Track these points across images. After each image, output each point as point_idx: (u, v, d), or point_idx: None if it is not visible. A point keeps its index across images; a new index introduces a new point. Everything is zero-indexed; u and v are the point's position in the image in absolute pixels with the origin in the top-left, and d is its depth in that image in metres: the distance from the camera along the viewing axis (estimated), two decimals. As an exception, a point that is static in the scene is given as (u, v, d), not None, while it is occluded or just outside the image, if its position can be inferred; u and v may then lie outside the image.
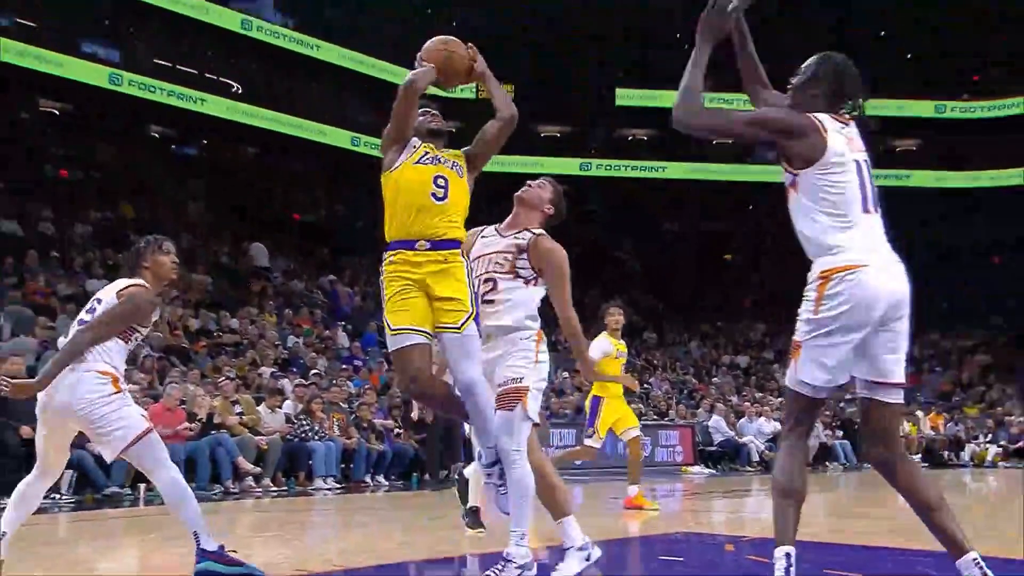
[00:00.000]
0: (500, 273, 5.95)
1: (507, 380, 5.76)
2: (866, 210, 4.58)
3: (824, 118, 4.57)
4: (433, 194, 5.43)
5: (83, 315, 6.41)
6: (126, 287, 6.36)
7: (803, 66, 4.85)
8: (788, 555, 4.37)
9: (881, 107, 38.29)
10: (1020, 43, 39.54)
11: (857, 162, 4.58)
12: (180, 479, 6.33)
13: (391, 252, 5.46)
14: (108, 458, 6.52)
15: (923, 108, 39.00)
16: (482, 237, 6.11)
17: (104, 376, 6.16)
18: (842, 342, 4.42)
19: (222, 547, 6.15)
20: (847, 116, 4.69)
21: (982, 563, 4.37)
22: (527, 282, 5.96)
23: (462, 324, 5.36)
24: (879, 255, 4.57)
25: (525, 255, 5.94)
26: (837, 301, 4.42)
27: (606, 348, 11.04)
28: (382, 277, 5.48)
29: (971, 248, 38.77)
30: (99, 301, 6.38)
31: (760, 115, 4.77)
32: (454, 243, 5.49)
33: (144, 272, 6.50)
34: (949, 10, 36.24)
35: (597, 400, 11.15)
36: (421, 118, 5.65)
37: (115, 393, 6.18)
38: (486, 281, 5.91)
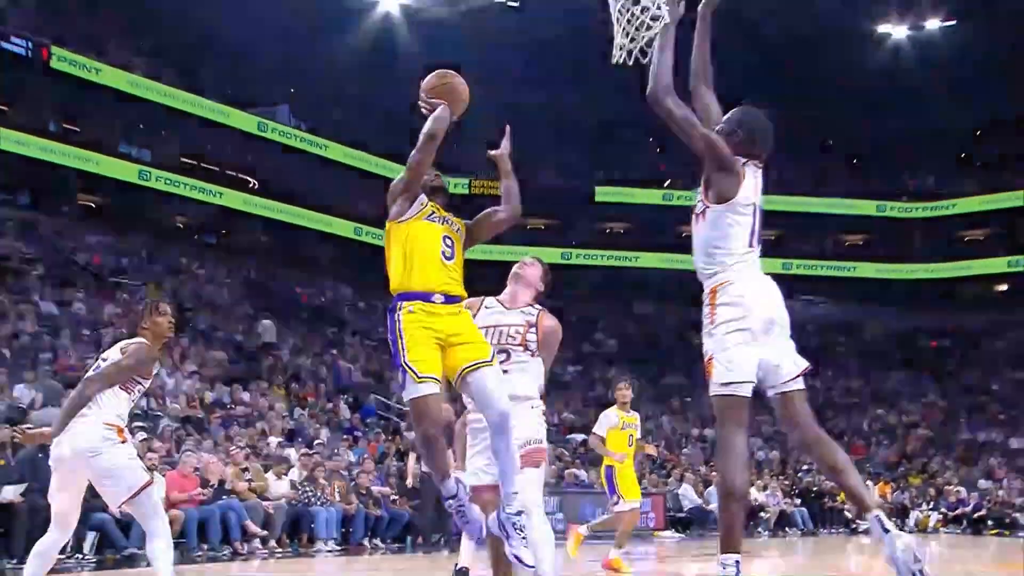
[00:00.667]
0: (513, 345, 5.95)
1: (529, 440, 5.77)
2: (751, 245, 4.85)
3: (746, 165, 4.82)
4: (443, 252, 5.24)
5: (90, 373, 6.56)
6: (128, 344, 6.55)
7: (728, 115, 5.04)
8: (738, 562, 4.51)
9: (831, 205, 38.66)
10: (951, 154, 40.13)
11: (755, 205, 4.84)
12: (168, 534, 6.46)
13: (409, 302, 5.14)
14: (112, 506, 6.91)
15: (867, 207, 39.23)
16: (486, 307, 6.03)
17: (110, 427, 6.28)
18: (742, 343, 4.63)
19: None
20: (758, 164, 4.91)
21: (883, 518, 4.56)
22: (533, 354, 5.97)
23: (493, 357, 5.19)
24: (757, 277, 4.83)
25: (534, 329, 5.97)
26: (728, 308, 4.71)
27: (612, 421, 10.78)
28: (399, 325, 5.12)
29: (912, 333, 38.77)
30: (104, 360, 6.55)
31: (714, 139, 4.80)
32: (461, 299, 5.29)
33: (144, 332, 6.65)
34: (889, 122, 36.60)
35: (610, 469, 10.82)
36: (424, 176, 5.41)
37: (120, 443, 6.31)
38: (500, 352, 5.80)
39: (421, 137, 5.22)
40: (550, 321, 6.12)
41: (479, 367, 5.07)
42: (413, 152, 5.21)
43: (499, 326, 5.96)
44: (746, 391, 4.66)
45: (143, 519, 6.46)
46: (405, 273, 5.21)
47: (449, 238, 5.33)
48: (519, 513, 5.14)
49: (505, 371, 5.74)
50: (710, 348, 4.73)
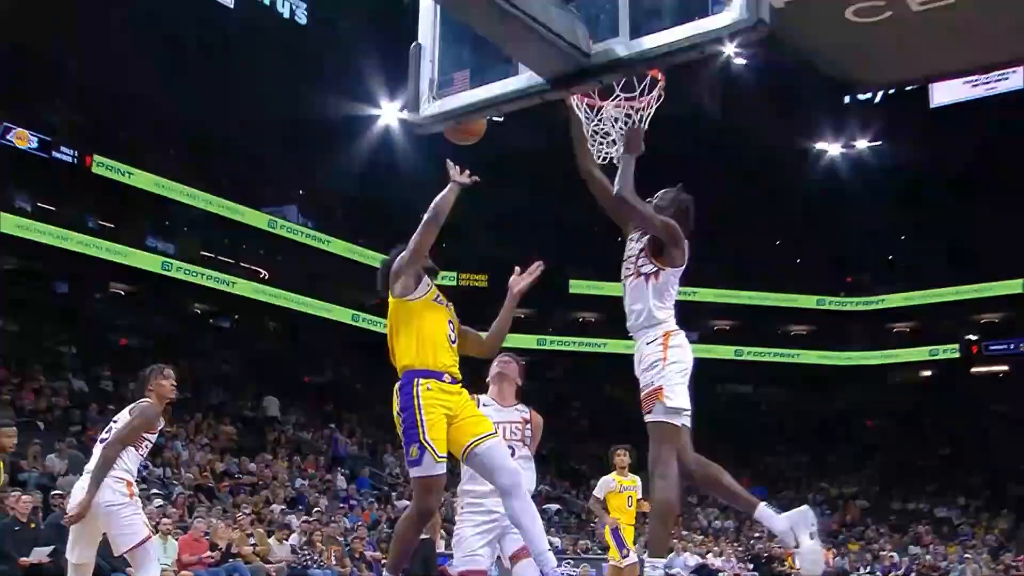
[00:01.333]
0: (515, 441, 6.00)
1: None
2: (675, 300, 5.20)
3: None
4: (449, 335, 5.15)
5: (103, 435, 6.79)
6: (135, 405, 6.72)
7: (664, 193, 5.35)
8: (666, 566, 4.80)
9: (778, 300, 38.99)
10: (881, 256, 40.69)
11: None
12: None
13: (425, 379, 4.96)
14: (115, 552, 6.75)
15: (809, 301, 39.61)
16: (483, 405, 5.93)
17: (120, 481, 6.49)
18: (684, 381, 4.99)
19: None
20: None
21: (770, 510, 4.96)
22: (527, 447, 6.08)
23: (496, 431, 5.13)
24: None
25: (528, 425, 6.13)
26: (678, 351, 5.04)
27: (610, 485, 10.56)
28: (419, 401, 4.90)
29: (850, 415, 38.94)
30: (115, 422, 6.76)
31: (671, 223, 5.09)
32: (460, 381, 5.17)
33: (150, 393, 6.81)
34: (829, 227, 37.13)
35: (616, 528, 10.61)
36: (426, 256, 5.33)
37: (129, 498, 6.51)
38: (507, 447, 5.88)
39: (425, 218, 5.16)
40: (539, 417, 6.27)
41: (486, 439, 4.95)
42: (417, 232, 5.12)
43: (500, 423, 5.89)
44: (686, 420, 4.97)
45: (138, 567, 6.59)
46: (419, 352, 5.04)
47: (452, 322, 5.23)
48: (560, 564, 5.14)
49: None
50: (658, 382, 4.93)
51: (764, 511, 5.04)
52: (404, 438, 4.92)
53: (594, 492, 10.85)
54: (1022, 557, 28.62)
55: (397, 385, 5.05)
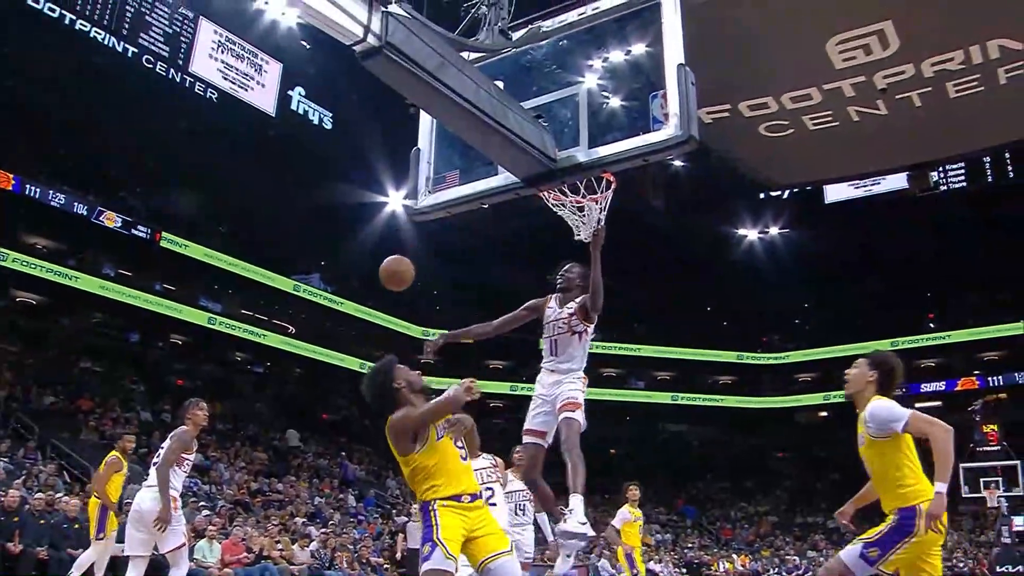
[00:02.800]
0: (492, 482, 6.30)
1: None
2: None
3: None
4: (461, 456, 4.45)
5: (155, 459, 6.97)
6: (175, 432, 6.85)
7: (573, 268, 5.51)
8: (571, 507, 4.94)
9: (708, 355, 39.18)
10: (789, 319, 41.02)
11: None
12: None
13: (442, 501, 4.30)
14: (160, 551, 6.83)
15: (731, 356, 39.88)
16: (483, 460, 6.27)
17: (169, 497, 6.60)
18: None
19: None
20: None
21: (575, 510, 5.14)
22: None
23: (511, 548, 4.42)
24: None
25: (498, 468, 6.50)
26: (582, 384, 5.34)
27: (625, 516, 10.52)
28: (435, 515, 4.24)
29: (764, 448, 38.92)
30: (163, 447, 6.88)
31: (600, 301, 5.26)
32: (479, 494, 4.51)
33: (188, 421, 6.93)
34: (748, 297, 37.52)
35: (630, 554, 10.58)
36: (417, 377, 4.63)
37: (174, 511, 6.65)
38: (486, 490, 5.95)
39: (446, 400, 4.33)
40: (501, 460, 6.47)
41: (501, 556, 4.28)
42: (424, 413, 4.35)
43: (478, 470, 5.91)
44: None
45: (174, 565, 6.72)
46: (435, 487, 4.34)
47: (458, 440, 4.51)
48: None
49: (493, 504, 5.78)
50: (578, 398, 5.22)
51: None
52: (424, 540, 4.27)
53: (612, 522, 10.61)
54: None
55: (420, 511, 4.38)
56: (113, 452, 9.33)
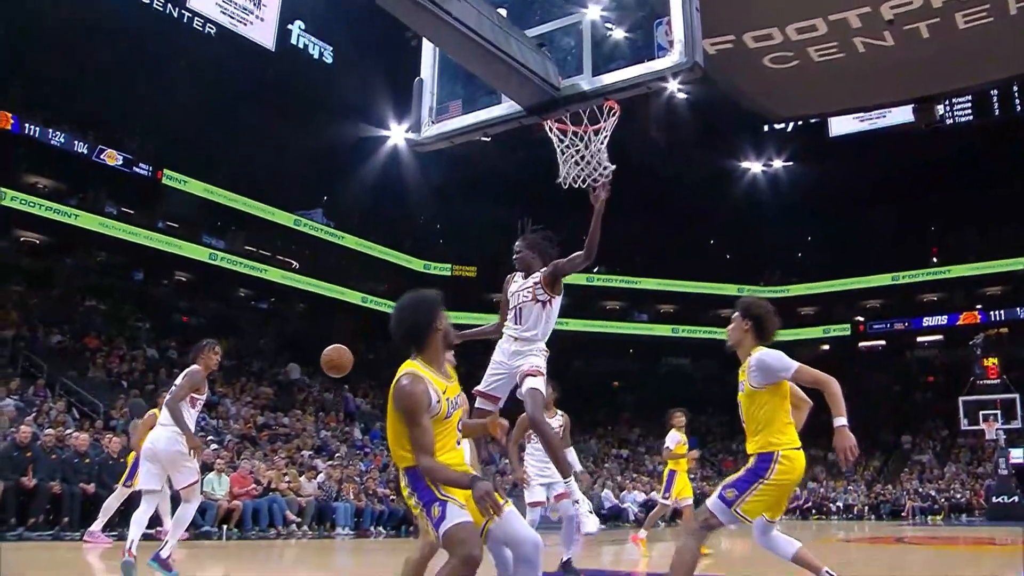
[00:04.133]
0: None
1: None
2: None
3: None
4: (457, 440, 3.84)
5: (167, 396, 6.96)
6: (186, 371, 6.84)
7: (520, 248, 5.24)
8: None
9: (709, 288, 39.29)
10: (794, 249, 40.95)
11: None
12: (193, 512, 6.83)
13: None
14: (176, 487, 6.89)
15: (732, 289, 39.76)
16: None
17: (182, 435, 6.60)
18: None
19: (169, 558, 6.46)
20: None
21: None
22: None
23: (506, 501, 3.65)
24: None
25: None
26: (546, 356, 5.06)
27: (677, 438, 10.70)
28: (436, 487, 3.59)
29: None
30: (175, 385, 6.83)
31: (593, 256, 4.99)
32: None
33: (200, 361, 6.90)
34: (753, 231, 37.40)
35: (672, 473, 10.88)
36: (452, 331, 3.94)
37: (186, 448, 6.61)
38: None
39: (441, 468, 3.56)
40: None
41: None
42: (428, 439, 3.58)
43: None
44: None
45: (186, 500, 6.72)
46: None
47: (459, 422, 3.86)
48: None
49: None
50: (541, 366, 4.98)
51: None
52: (424, 511, 3.58)
53: (666, 444, 10.85)
54: (888, 486, 30.43)
55: (406, 475, 3.70)
56: (153, 410, 9.38)
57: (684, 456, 10.79)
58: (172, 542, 6.61)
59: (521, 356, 5.02)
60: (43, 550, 9.46)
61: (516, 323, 5.11)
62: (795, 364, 4.57)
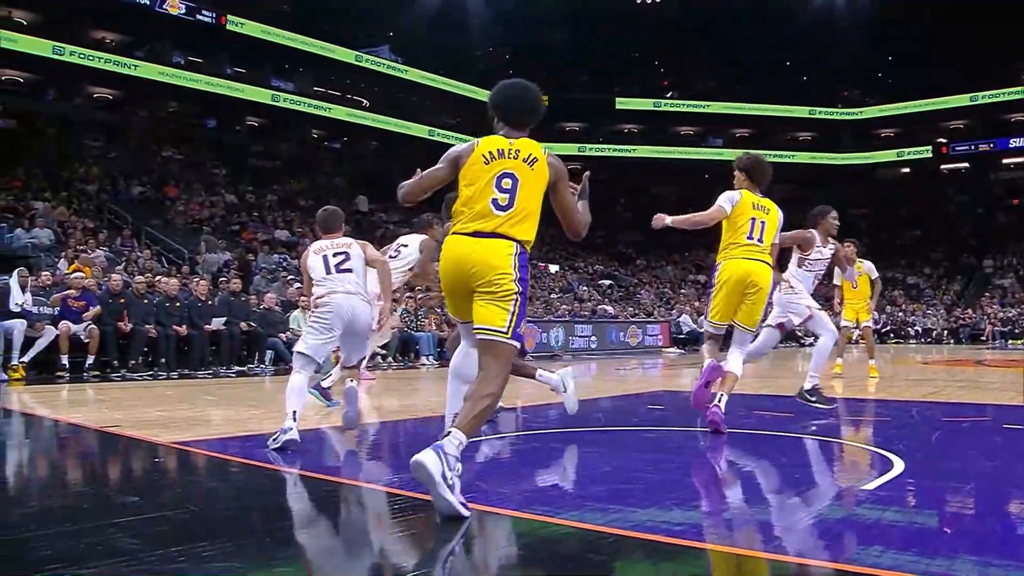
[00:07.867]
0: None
1: None
2: None
3: None
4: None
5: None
6: (421, 241, 7.01)
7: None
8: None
9: (781, 111, 37.91)
10: (869, 75, 38.67)
11: None
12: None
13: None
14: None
15: (802, 111, 38.99)
16: None
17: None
18: None
19: (329, 388, 5.99)
20: None
21: (545, 372, 5.31)
22: None
23: None
24: None
25: None
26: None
27: (853, 274, 9.66)
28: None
29: (841, 205, 38.19)
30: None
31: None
32: None
33: (430, 232, 7.11)
34: (827, 51, 35.26)
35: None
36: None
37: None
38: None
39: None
40: None
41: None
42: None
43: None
44: None
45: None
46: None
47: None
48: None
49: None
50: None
51: (541, 374, 5.20)
52: (518, 311, 3.34)
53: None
54: (968, 310, 29.82)
55: (518, 255, 3.43)
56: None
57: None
58: (334, 376, 6.14)
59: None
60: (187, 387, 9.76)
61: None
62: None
